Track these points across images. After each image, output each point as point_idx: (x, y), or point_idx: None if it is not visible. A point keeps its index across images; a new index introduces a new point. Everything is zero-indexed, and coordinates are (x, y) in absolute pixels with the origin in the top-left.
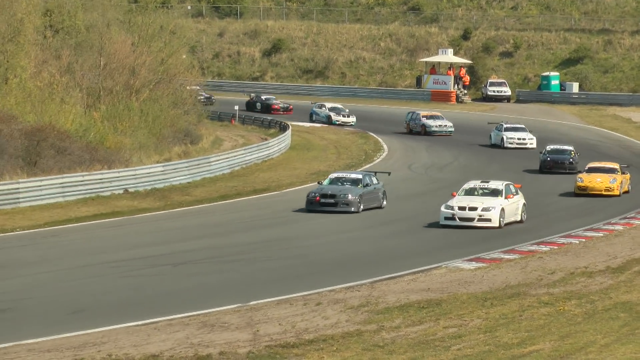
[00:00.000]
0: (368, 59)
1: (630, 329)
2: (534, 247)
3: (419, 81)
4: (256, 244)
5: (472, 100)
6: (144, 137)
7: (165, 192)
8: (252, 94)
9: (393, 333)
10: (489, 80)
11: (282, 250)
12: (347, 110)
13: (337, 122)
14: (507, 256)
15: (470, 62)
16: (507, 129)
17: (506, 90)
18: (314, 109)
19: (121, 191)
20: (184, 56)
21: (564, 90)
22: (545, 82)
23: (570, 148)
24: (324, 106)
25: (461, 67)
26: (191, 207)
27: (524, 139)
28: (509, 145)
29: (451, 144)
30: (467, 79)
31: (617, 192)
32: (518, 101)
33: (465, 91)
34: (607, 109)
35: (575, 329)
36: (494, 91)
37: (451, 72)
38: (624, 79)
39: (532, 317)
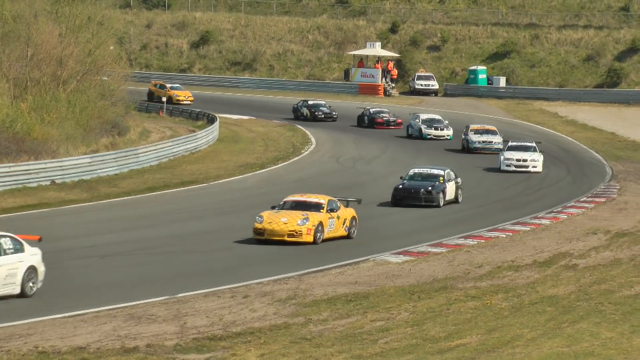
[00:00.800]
0: (296, 51)
1: (556, 322)
2: (461, 241)
3: (346, 74)
4: (184, 236)
5: (400, 93)
6: (71, 128)
7: (93, 183)
8: (362, 108)
9: (320, 326)
10: (417, 74)
11: (210, 242)
12: (447, 122)
13: (429, 137)
14: (434, 250)
15: (398, 55)
16: (424, 121)
17: (434, 84)
18: (411, 121)
19: (48, 182)
20: (112, 47)
21: (491, 84)
22: (472, 76)
23: (441, 173)
24: (418, 117)
25: (389, 60)
26: (118, 199)
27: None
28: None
29: (378, 137)
30: (395, 72)
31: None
32: (445, 95)
33: (393, 84)
34: (534, 103)
35: (502, 322)
36: (421, 85)
37: (379, 65)
38: (550, 73)
39: (459, 310)
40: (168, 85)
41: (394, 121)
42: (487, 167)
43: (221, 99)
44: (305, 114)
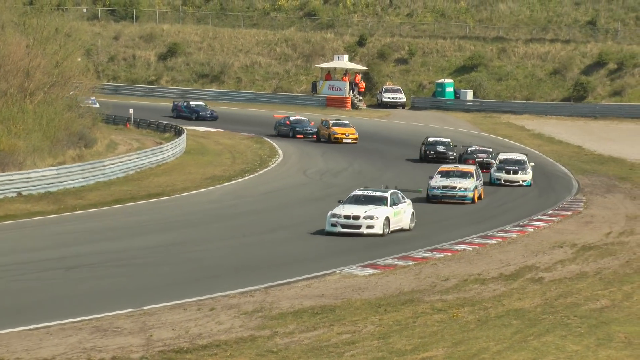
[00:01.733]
0: (264, 64)
1: (522, 336)
2: (427, 254)
3: (314, 87)
4: (150, 248)
5: (368, 106)
6: (38, 140)
7: (59, 195)
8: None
9: (287, 339)
10: (384, 87)
11: (176, 255)
12: (527, 162)
13: (498, 182)
14: (401, 262)
15: (365, 68)
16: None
17: (401, 97)
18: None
19: (14, 194)
20: (79, 59)
21: (459, 97)
22: (439, 89)
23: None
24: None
25: (357, 73)
26: (85, 211)
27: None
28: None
29: (346, 150)
30: (362, 85)
31: None
32: (413, 108)
33: (361, 97)
34: (501, 116)
35: (468, 335)
36: (389, 98)
37: (347, 78)
38: (517, 87)
39: (425, 323)
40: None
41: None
42: None
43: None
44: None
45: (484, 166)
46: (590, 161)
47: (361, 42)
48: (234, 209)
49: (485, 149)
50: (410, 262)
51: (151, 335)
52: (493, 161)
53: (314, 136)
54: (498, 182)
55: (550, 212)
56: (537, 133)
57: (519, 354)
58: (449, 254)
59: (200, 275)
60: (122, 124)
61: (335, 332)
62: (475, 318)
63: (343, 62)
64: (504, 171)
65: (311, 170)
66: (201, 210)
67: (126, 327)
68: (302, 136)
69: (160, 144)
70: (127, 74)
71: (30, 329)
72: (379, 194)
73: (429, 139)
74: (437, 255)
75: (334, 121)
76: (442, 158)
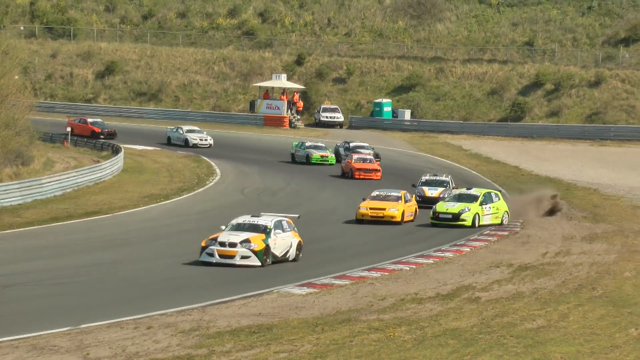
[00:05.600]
0: (202, 82)
1: (459, 355)
2: (365, 273)
3: (252, 106)
4: (87, 266)
5: (305, 125)
6: None
7: None
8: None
9: (224, 357)
10: (322, 106)
11: (113, 273)
12: (451, 183)
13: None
14: (338, 282)
15: (303, 87)
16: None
17: (339, 116)
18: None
19: None
20: (17, 77)
21: (396, 117)
22: (377, 109)
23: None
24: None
25: (295, 92)
26: (22, 229)
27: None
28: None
29: (283, 169)
30: (300, 104)
31: None
32: (351, 127)
33: (299, 116)
34: (438, 136)
35: (405, 355)
36: (327, 117)
37: (284, 97)
38: (455, 107)
39: (362, 342)
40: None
41: None
42: None
43: (126, 129)
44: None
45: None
46: (527, 181)
47: (299, 61)
48: (171, 228)
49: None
50: (347, 281)
51: (88, 354)
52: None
53: None
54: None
55: (487, 232)
56: (474, 153)
57: None
58: (386, 273)
59: (137, 294)
60: (59, 142)
61: (272, 350)
62: (412, 337)
63: (281, 81)
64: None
65: (249, 189)
66: (138, 228)
67: (63, 345)
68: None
69: (98, 162)
70: (65, 91)
71: None
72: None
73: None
74: (374, 274)
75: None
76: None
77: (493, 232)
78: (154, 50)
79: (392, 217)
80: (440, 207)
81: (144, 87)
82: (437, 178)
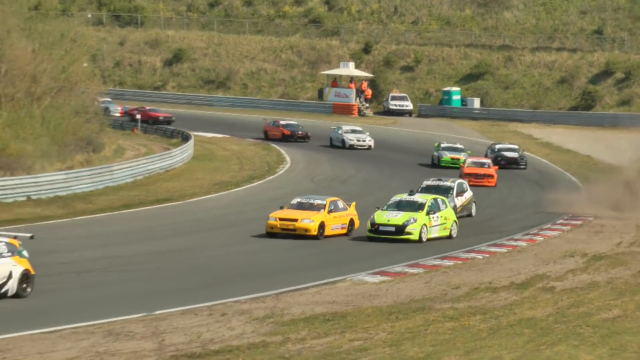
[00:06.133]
0: (269, 70)
1: (535, 345)
2: (437, 262)
3: (320, 94)
4: (160, 253)
5: (374, 113)
6: (46, 144)
7: (68, 200)
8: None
9: (299, 345)
10: (391, 94)
11: (186, 260)
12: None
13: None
14: (411, 270)
15: (371, 75)
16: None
17: (408, 104)
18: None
19: (24, 198)
20: (85, 64)
21: (465, 105)
22: (446, 97)
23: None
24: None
25: (363, 80)
26: (94, 216)
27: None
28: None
29: (353, 157)
30: (369, 92)
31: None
32: (420, 115)
33: (367, 104)
34: (508, 125)
35: (480, 344)
36: (395, 105)
37: (353, 85)
38: (524, 95)
39: (437, 331)
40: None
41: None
42: None
43: (195, 116)
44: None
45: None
46: (600, 170)
47: (366, 50)
48: (243, 215)
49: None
50: (420, 270)
51: (163, 340)
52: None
53: None
54: None
55: (560, 221)
56: (545, 142)
57: None
58: (459, 262)
59: (211, 281)
60: (129, 129)
61: (346, 338)
62: (487, 326)
63: (349, 69)
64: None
65: (319, 177)
66: (210, 216)
67: (138, 331)
68: None
69: (168, 149)
70: (133, 79)
71: (42, 333)
72: None
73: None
74: (447, 263)
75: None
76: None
77: (566, 222)
78: (221, 38)
79: (306, 229)
80: (379, 217)
81: (212, 74)
82: (441, 183)
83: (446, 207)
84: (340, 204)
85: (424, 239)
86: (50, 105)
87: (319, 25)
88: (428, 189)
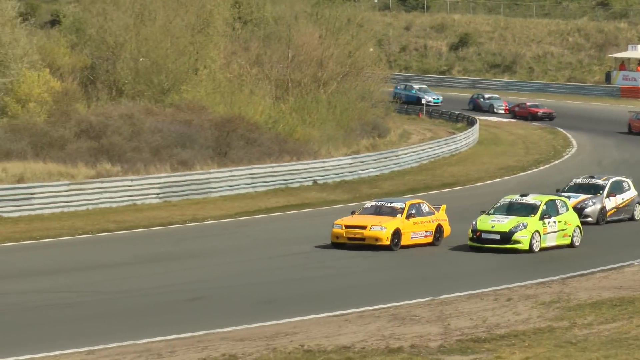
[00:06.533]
0: (556, 53)
1: None
2: None
3: (608, 77)
4: (449, 237)
5: None
6: (332, 129)
7: (354, 184)
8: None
9: (585, 330)
10: None
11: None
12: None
13: None
14: None
15: None
16: None
17: None
18: None
19: (310, 183)
20: (372, 49)
21: None
22: None
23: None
24: None
25: None
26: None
27: None
28: None
29: None
30: None
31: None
32: None
33: None
34: None
35: None
36: None
37: None
38: None
39: None
40: None
41: None
42: None
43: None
44: None
45: None
46: None
47: None
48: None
49: None
50: None
51: (449, 324)
52: None
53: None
54: None
55: None
56: None
57: None
58: None
59: (496, 266)
60: (414, 114)
61: (634, 324)
62: None
63: (638, 52)
64: None
65: (606, 161)
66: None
67: (424, 315)
68: None
69: (453, 134)
70: (419, 64)
71: (329, 316)
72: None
73: None
74: None
75: None
76: None
77: None
78: (508, 21)
79: (377, 238)
80: (482, 223)
81: (497, 58)
82: (592, 181)
83: (567, 210)
84: (425, 207)
85: (536, 249)
86: (336, 90)
87: (606, 7)
88: (577, 188)
